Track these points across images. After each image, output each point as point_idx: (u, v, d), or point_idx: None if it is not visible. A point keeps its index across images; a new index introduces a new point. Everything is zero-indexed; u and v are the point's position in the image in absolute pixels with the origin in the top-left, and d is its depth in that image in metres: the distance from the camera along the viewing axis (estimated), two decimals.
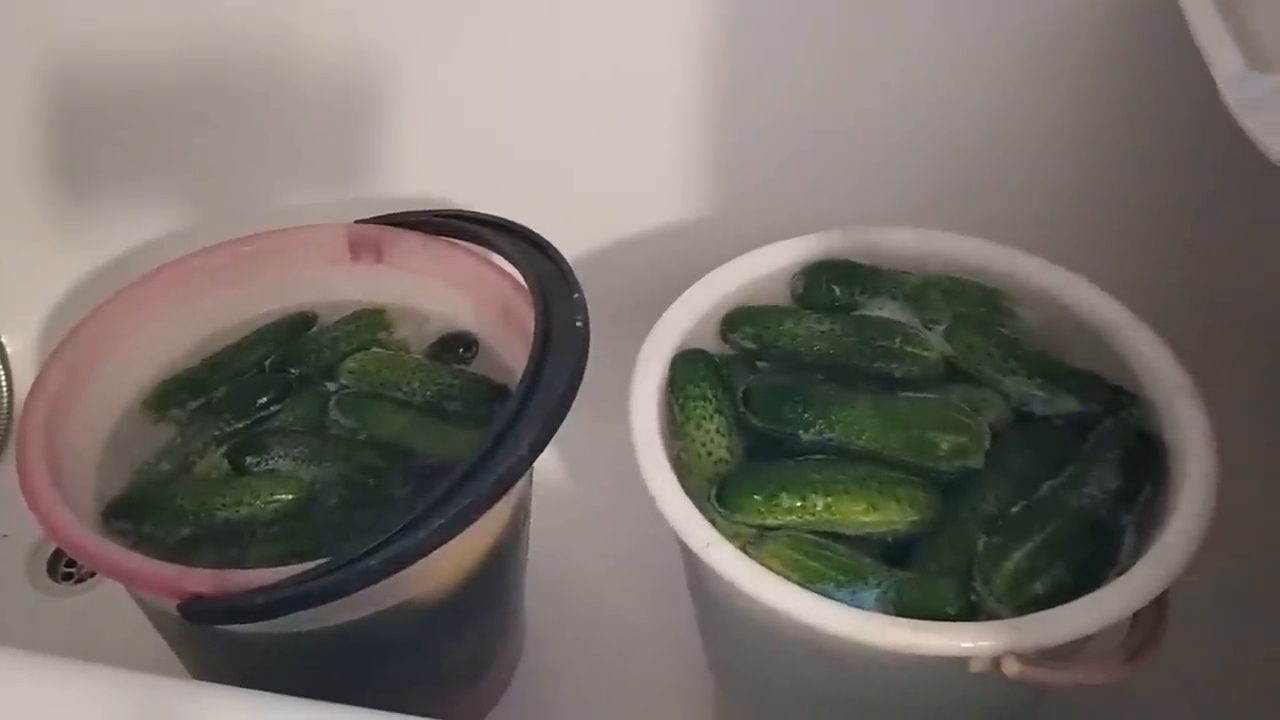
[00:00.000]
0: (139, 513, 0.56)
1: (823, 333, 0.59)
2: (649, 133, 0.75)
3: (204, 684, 0.42)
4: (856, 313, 0.61)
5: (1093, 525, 0.50)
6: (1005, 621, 0.46)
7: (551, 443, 0.49)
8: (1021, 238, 0.61)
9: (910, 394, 0.57)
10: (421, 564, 0.46)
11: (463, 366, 0.64)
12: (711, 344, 0.60)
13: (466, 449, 0.49)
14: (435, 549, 0.46)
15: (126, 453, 0.59)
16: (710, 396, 0.56)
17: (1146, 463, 0.52)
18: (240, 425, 0.61)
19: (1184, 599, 0.48)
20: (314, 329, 0.66)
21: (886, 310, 0.61)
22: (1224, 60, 0.46)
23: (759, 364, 0.60)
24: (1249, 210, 0.69)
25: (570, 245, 0.60)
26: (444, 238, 0.64)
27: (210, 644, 0.53)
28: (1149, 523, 0.50)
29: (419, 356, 0.64)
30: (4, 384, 0.80)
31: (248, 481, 0.57)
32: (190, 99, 0.74)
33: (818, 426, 0.54)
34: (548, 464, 0.75)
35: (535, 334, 0.53)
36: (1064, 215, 0.73)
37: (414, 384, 0.62)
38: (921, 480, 0.53)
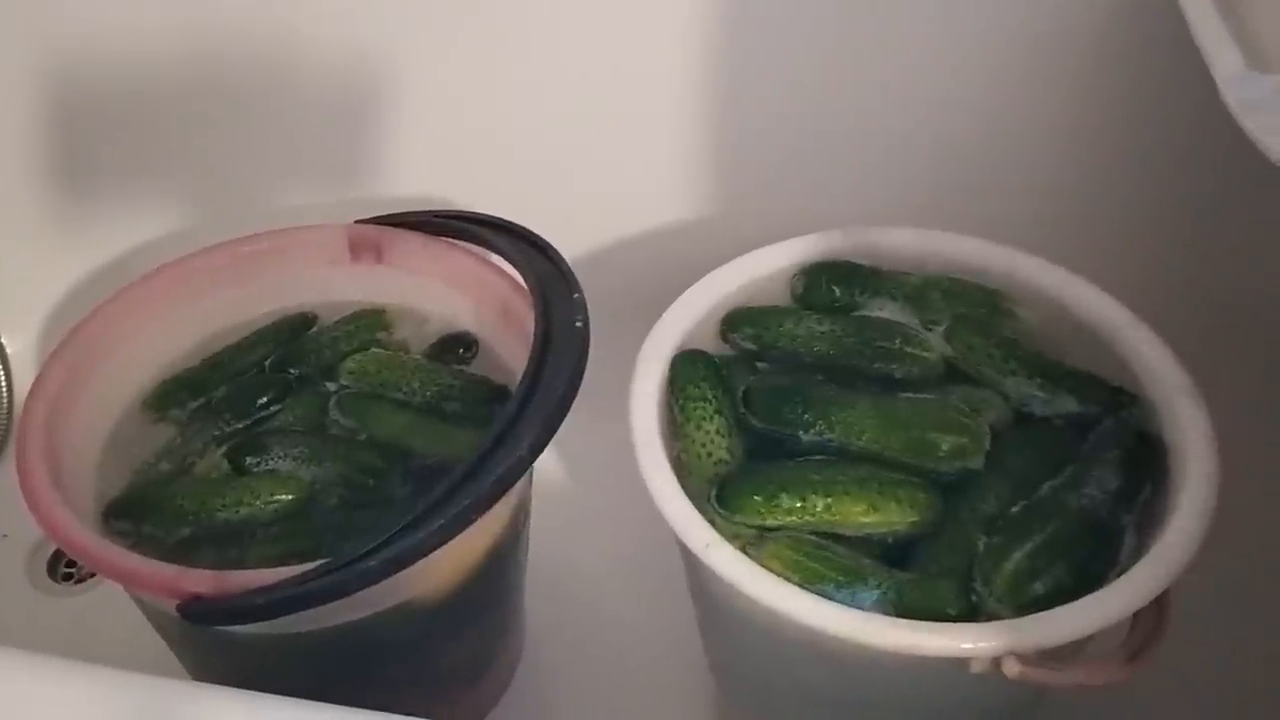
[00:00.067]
0: (139, 513, 0.56)
1: (823, 333, 0.59)
2: (649, 133, 0.75)
3: (203, 685, 0.42)
4: (856, 313, 0.61)
5: (1093, 525, 0.50)
6: (1005, 622, 0.46)
7: (551, 443, 0.49)
8: (1021, 238, 0.61)
9: (910, 395, 0.57)
10: (421, 564, 0.46)
11: (462, 367, 0.64)
12: (711, 344, 0.60)
13: (466, 449, 0.49)
14: (435, 549, 0.46)
15: (126, 453, 0.59)
16: (710, 397, 0.56)
17: (1146, 463, 0.52)
18: (240, 425, 0.61)
19: (1184, 599, 0.47)
20: (314, 329, 0.66)
21: (886, 311, 0.61)
22: (1224, 60, 0.46)
23: (759, 364, 0.60)
24: (1249, 210, 0.69)
25: (570, 245, 0.60)
26: (444, 238, 0.64)
27: (210, 644, 0.53)
28: (1149, 523, 0.50)
29: (419, 357, 0.64)
30: (4, 384, 0.80)
31: (247, 482, 0.57)
32: (190, 99, 0.74)
33: (818, 427, 0.54)
34: (547, 464, 0.75)
35: (535, 334, 0.53)
36: (1064, 215, 0.73)
37: (414, 384, 0.62)
38: (921, 481, 0.53)
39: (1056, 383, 0.56)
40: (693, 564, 0.54)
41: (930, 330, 0.60)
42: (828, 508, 0.51)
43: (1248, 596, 0.63)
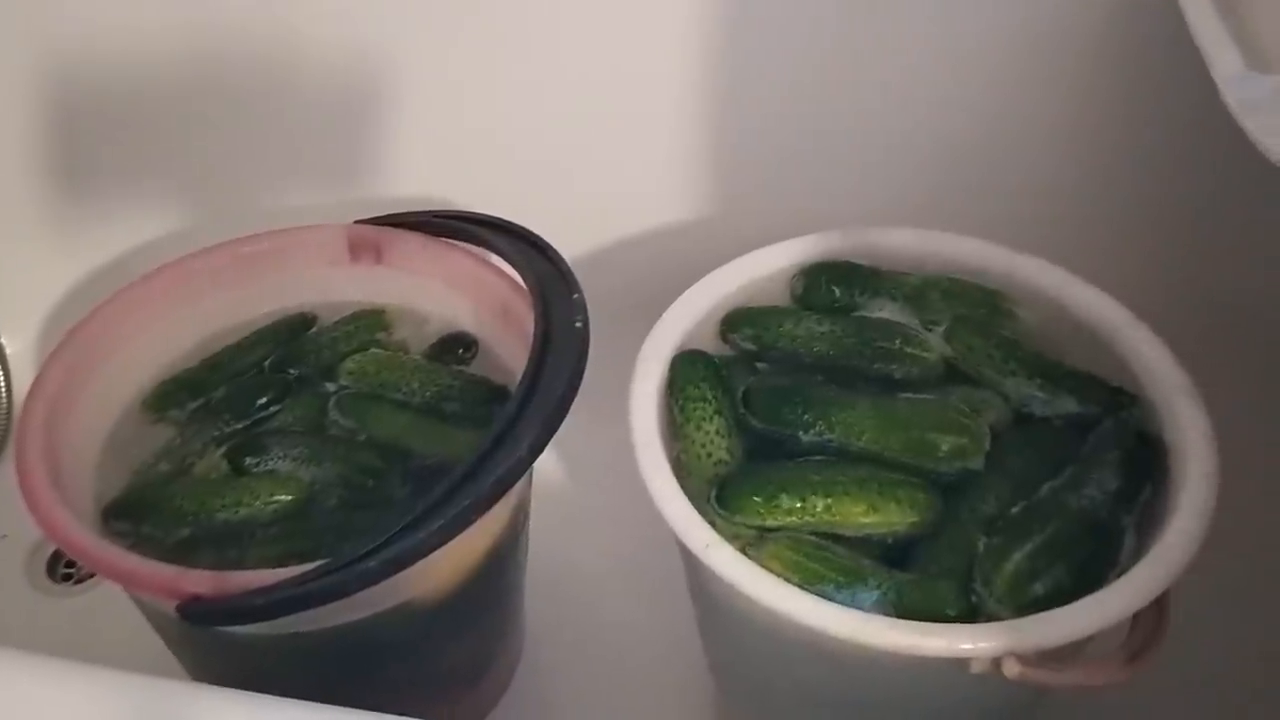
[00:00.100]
0: (138, 513, 0.55)
1: (822, 334, 0.59)
2: (649, 133, 0.75)
3: (203, 685, 0.42)
4: (856, 314, 0.61)
5: (1093, 526, 0.50)
6: (1005, 623, 0.46)
7: (551, 444, 0.49)
8: (1021, 238, 0.61)
9: (910, 395, 0.57)
10: (420, 565, 0.46)
11: (462, 367, 0.64)
12: (711, 345, 0.60)
13: (466, 450, 0.49)
14: (434, 550, 0.46)
15: (125, 453, 0.59)
16: (710, 397, 0.56)
17: (1146, 463, 0.52)
18: (239, 426, 0.61)
19: (1184, 599, 0.47)
20: (313, 329, 0.66)
21: (886, 311, 0.61)
22: (1224, 60, 0.46)
23: (759, 365, 0.60)
24: (1248, 210, 0.69)
25: (570, 245, 0.60)
26: (443, 239, 0.64)
27: (209, 645, 0.53)
28: (1149, 523, 0.50)
29: (418, 357, 0.64)
30: (3, 385, 0.80)
31: (247, 482, 0.57)
32: (190, 99, 0.74)
33: (817, 428, 0.54)
34: (547, 465, 0.75)
35: (535, 335, 0.53)
36: (1063, 215, 0.73)
37: (413, 385, 0.62)
38: (921, 481, 0.53)
39: (1056, 383, 0.56)
40: (692, 564, 0.54)
41: (930, 331, 0.60)
42: (828, 508, 0.51)
43: (1247, 596, 0.63)
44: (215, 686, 0.40)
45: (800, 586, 0.48)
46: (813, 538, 0.51)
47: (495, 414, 0.52)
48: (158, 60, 0.72)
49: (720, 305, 0.60)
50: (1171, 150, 0.70)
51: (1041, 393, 0.56)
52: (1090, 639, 0.46)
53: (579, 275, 0.57)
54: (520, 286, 0.58)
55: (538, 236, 0.60)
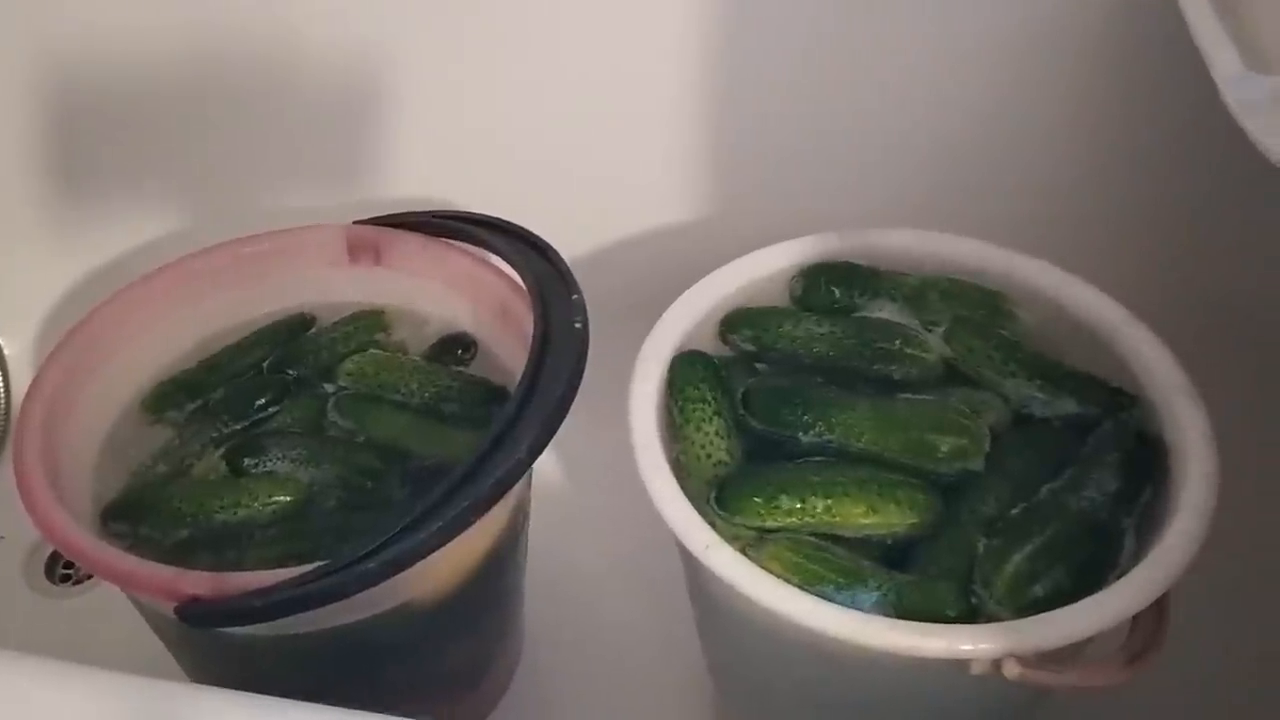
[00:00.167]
0: (136, 515, 0.55)
1: (822, 335, 0.59)
2: (649, 133, 0.75)
3: (201, 687, 0.42)
4: (856, 314, 0.61)
5: (1093, 528, 0.50)
6: (1005, 624, 0.46)
7: (550, 444, 0.49)
8: (1019, 238, 0.61)
9: (910, 396, 0.57)
10: (419, 566, 0.46)
11: (461, 368, 0.64)
12: (710, 345, 0.60)
13: (465, 451, 0.49)
14: (433, 551, 0.46)
15: (124, 455, 0.59)
16: (709, 398, 0.56)
17: (1146, 464, 0.52)
18: (238, 427, 0.61)
19: (1184, 599, 0.47)
20: (312, 330, 0.66)
21: (886, 312, 0.61)
22: (1223, 61, 0.46)
23: (758, 366, 0.60)
24: (1247, 210, 0.69)
25: (570, 245, 0.60)
26: (442, 239, 0.64)
27: (208, 646, 0.53)
28: (1149, 524, 0.50)
29: (417, 358, 0.64)
30: (2, 386, 0.80)
31: (245, 483, 0.57)
32: (190, 99, 0.74)
33: (817, 429, 0.54)
34: (546, 466, 0.75)
35: (534, 335, 0.53)
36: (1062, 215, 0.73)
37: (412, 386, 0.62)
38: (921, 482, 0.52)
39: (1056, 384, 0.56)
40: (692, 565, 0.54)
41: (930, 331, 0.60)
42: (827, 509, 0.51)
43: (1246, 597, 0.63)
44: (214, 688, 0.40)
45: (800, 587, 0.48)
46: (812, 539, 0.51)
47: (494, 415, 0.52)
48: (158, 60, 0.72)
49: (720, 306, 0.60)
50: (1170, 150, 0.70)
51: (1041, 394, 0.56)
52: (1090, 640, 0.46)
53: (578, 275, 0.57)
54: (519, 287, 0.58)
55: (537, 237, 0.60)
